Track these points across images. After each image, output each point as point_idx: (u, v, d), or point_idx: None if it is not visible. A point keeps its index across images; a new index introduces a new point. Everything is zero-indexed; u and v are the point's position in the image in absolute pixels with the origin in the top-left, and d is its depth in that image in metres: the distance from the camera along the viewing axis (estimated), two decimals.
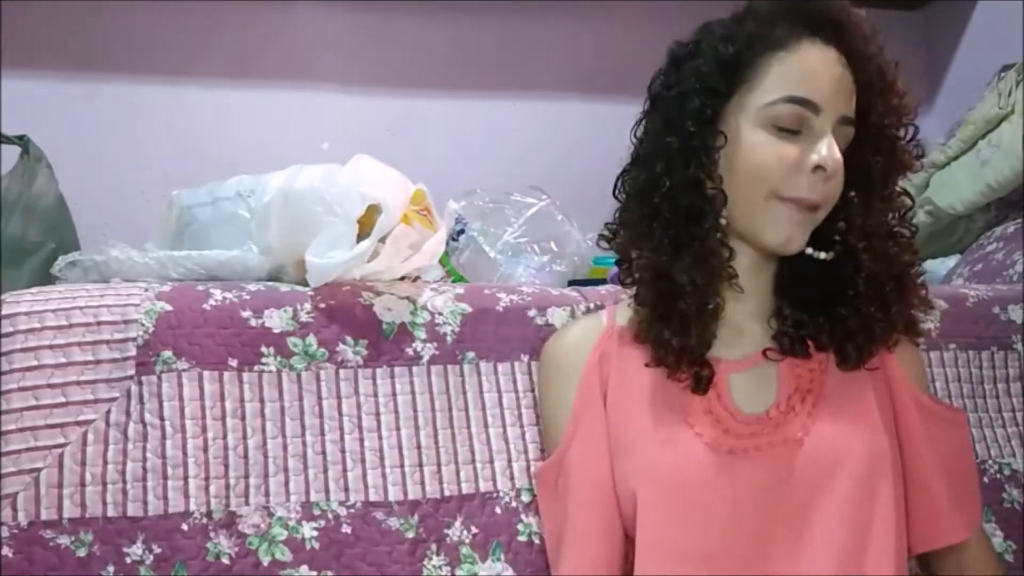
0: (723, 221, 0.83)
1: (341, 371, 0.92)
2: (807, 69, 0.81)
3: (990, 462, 1.02)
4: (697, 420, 0.83)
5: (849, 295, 0.85)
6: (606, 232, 0.91)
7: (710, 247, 0.82)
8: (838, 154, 0.81)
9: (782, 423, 0.83)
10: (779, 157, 0.81)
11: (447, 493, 0.90)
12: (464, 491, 0.90)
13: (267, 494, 0.86)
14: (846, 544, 0.79)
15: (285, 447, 0.88)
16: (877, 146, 0.85)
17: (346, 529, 0.87)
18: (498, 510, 0.90)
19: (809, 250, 0.85)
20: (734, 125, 0.83)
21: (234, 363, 0.89)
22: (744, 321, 0.88)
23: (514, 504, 0.91)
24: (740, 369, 0.86)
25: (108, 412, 0.85)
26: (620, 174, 0.90)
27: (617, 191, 0.90)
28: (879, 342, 0.85)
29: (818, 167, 0.80)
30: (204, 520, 0.84)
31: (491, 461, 0.92)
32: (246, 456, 0.87)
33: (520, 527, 0.90)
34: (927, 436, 0.87)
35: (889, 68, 0.84)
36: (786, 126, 0.81)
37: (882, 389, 0.88)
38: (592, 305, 1.01)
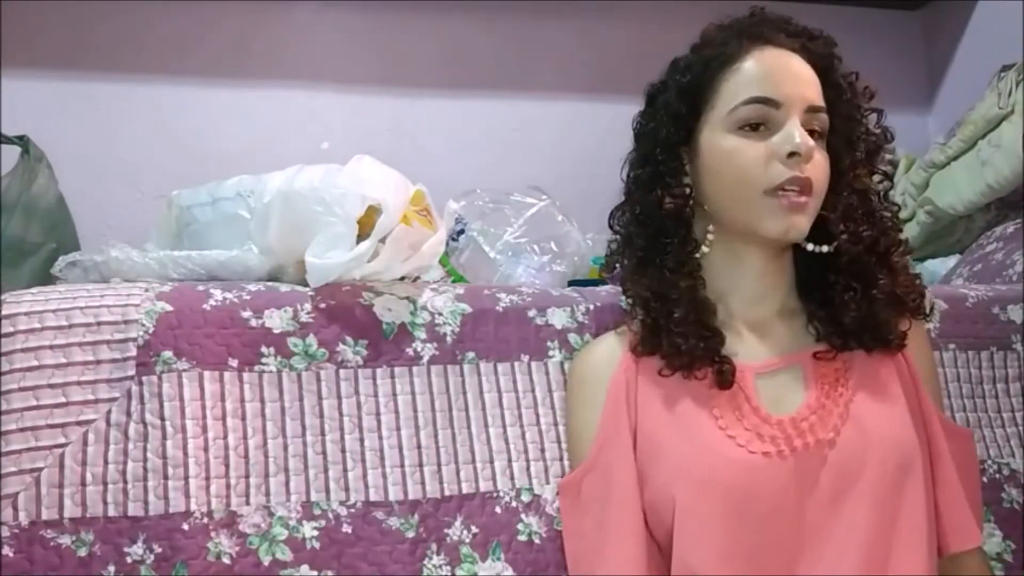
0: (709, 241, 0.88)
1: (341, 371, 0.92)
2: (761, 72, 0.85)
3: (990, 462, 1.02)
4: (729, 424, 0.84)
5: (840, 283, 0.87)
6: (604, 260, 0.97)
7: (676, 260, 0.87)
8: (808, 137, 0.83)
9: (813, 424, 0.83)
10: (754, 155, 0.84)
11: (447, 493, 0.90)
12: (464, 491, 0.90)
13: (267, 494, 0.86)
14: (871, 541, 0.80)
15: (285, 447, 0.88)
16: (837, 128, 0.88)
17: (346, 529, 0.87)
18: (498, 510, 0.90)
19: (810, 246, 0.88)
20: (706, 141, 0.87)
21: (234, 363, 0.89)
22: (767, 323, 0.90)
23: (514, 504, 0.91)
24: (765, 371, 0.87)
25: (109, 412, 0.85)
26: (612, 211, 0.95)
27: (611, 224, 0.95)
28: (882, 325, 0.86)
29: (792, 153, 0.83)
30: (205, 520, 0.84)
31: (491, 461, 0.92)
32: (246, 456, 0.87)
33: (520, 527, 0.90)
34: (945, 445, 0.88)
35: (839, 59, 0.89)
36: (751, 125, 0.84)
37: (907, 380, 0.89)
38: (592, 306, 1.01)
